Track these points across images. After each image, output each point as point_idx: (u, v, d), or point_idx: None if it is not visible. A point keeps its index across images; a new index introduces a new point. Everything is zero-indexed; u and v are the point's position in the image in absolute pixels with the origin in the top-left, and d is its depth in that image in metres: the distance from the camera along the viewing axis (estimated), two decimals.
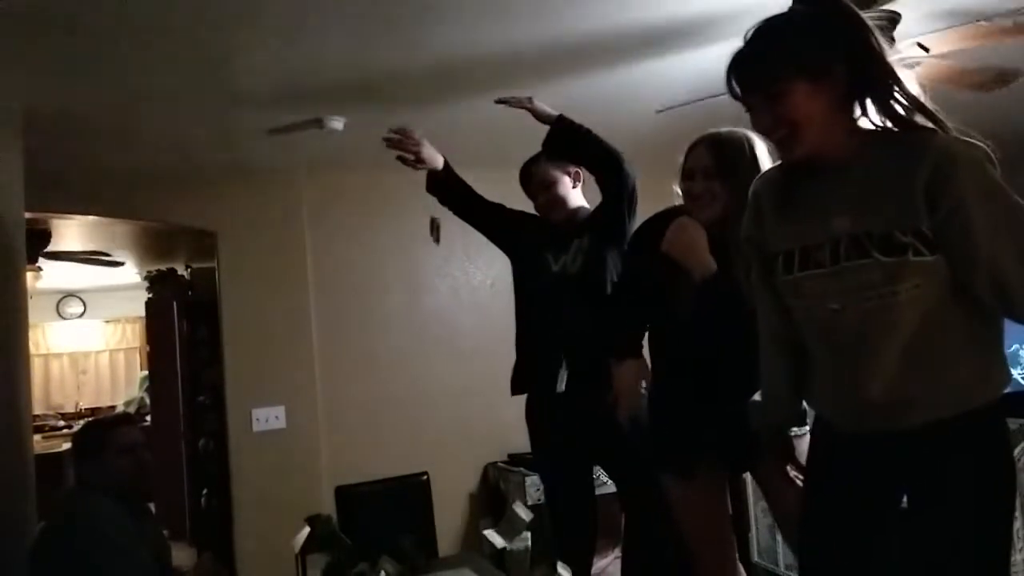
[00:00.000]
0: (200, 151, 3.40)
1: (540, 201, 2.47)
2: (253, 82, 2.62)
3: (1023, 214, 1.26)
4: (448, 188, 2.51)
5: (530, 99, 2.36)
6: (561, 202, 2.44)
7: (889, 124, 1.33)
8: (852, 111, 1.34)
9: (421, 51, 2.45)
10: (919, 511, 1.39)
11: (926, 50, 2.35)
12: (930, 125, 1.31)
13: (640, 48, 2.57)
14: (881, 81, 1.31)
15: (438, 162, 2.47)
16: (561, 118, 2.32)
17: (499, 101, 2.37)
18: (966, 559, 1.32)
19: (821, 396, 1.50)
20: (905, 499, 1.44)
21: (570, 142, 2.33)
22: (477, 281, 4.20)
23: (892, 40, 2.15)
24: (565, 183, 2.45)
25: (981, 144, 1.30)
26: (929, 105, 1.32)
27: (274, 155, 3.53)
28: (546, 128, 2.35)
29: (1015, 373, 4.96)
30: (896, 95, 1.30)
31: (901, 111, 1.31)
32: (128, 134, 3.07)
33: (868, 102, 1.33)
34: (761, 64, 1.33)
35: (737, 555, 2.11)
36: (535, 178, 2.46)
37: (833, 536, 1.46)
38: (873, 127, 1.36)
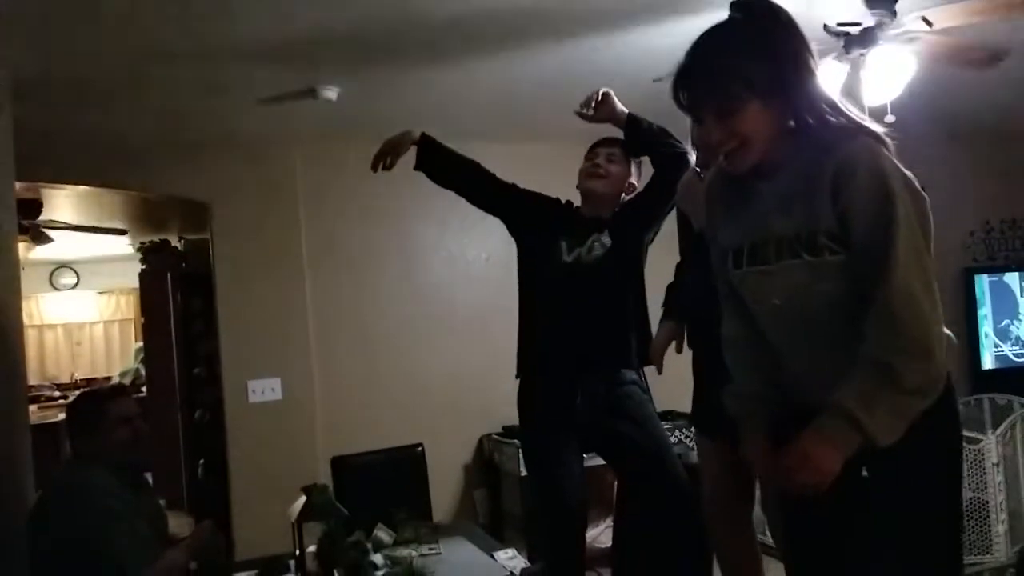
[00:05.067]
0: (193, 121, 3.37)
1: (596, 160, 2.35)
2: (248, 50, 2.59)
3: (910, 242, 1.24)
4: (433, 156, 2.38)
5: (605, 97, 2.29)
6: (607, 178, 2.34)
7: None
8: (789, 115, 1.36)
9: (420, 14, 2.41)
10: (875, 483, 1.41)
11: (929, 24, 2.34)
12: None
13: (638, 16, 2.54)
14: (816, 104, 1.32)
15: (413, 135, 2.36)
16: (631, 119, 2.29)
17: (580, 115, 2.33)
18: (921, 529, 1.35)
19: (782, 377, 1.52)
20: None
21: (639, 142, 2.33)
22: (472, 255, 4.20)
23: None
24: (623, 171, 2.37)
25: (901, 168, 1.29)
26: (865, 121, 1.34)
27: (268, 125, 3.50)
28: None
29: (1006, 348, 4.95)
30: (830, 116, 1.32)
31: (834, 121, 1.33)
32: (120, 103, 3.04)
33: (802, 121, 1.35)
34: (712, 82, 1.33)
35: (752, 528, 2.16)
36: (606, 147, 2.38)
37: (804, 511, 1.47)
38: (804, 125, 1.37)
